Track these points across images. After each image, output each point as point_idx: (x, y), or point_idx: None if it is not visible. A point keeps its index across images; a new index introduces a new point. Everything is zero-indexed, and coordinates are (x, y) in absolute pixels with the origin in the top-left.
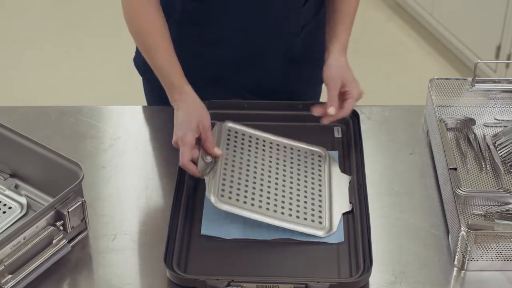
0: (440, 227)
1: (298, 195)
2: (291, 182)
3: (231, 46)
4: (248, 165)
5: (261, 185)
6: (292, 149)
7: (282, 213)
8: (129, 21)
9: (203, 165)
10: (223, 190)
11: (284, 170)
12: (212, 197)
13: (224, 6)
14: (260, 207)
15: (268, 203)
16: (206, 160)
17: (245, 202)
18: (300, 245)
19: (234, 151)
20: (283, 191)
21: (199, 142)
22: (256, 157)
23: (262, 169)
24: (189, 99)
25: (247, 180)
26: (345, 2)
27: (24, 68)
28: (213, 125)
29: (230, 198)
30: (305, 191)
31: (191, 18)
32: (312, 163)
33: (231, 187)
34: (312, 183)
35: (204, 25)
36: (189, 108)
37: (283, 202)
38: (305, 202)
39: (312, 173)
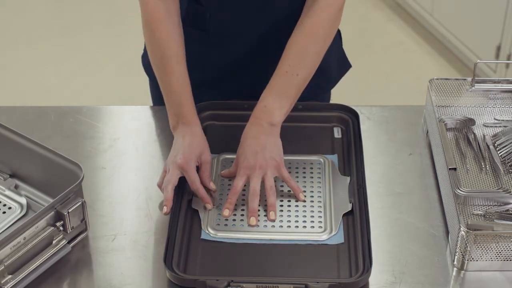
0: (440, 227)
1: (297, 205)
2: (289, 196)
3: (232, 50)
4: (244, 191)
5: (258, 205)
6: (290, 163)
7: (281, 226)
8: (146, 34)
9: (197, 202)
10: (218, 219)
11: (282, 186)
12: (208, 229)
13: (225, 10)
14: (257, 225)
15: (266, 220)
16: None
17: (242, 226)
18: (300, 246)
19: (230, 179)
20: (281, 205)
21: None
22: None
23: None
24: (196, 130)
25: (243, 205)
26: (297, 33)
27: (24, 68)
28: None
29: (226, 225)
30: (304, 200)
31: (194, 20)
32: (311, 173)
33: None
34: (312, 191)
35: (205, 29)
36: (196, 138)
37: (281, 216)
38: (305, 211)
39: (312, 182)
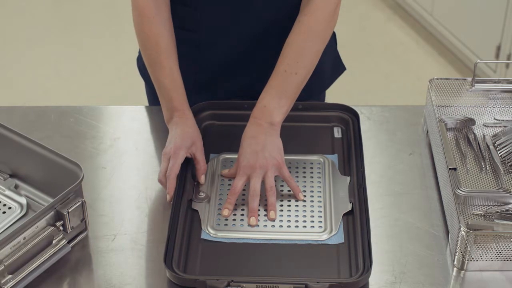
0: (440, 227)
1: (297, 205)
2: (289, 196)
3: (223, 50)
4: (244, 191)
5: (258, 205)
6: (290, 163)
7: (281, 226)
8: (136, 30)
9: (198, 202)
10: (218, 219)
11: (282, 186)
12: (208, 229)
13: (213, 11)
14: (257, 225)
15: (266, 220)
16: (200, 196)
17: (242, 225)
18: (300, 245)
19: (230, 179)
20: (281, 205)
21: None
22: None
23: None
24: (188, 122)
25: (243, 204)
26: (294, 31)
27: (24, 68)
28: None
29: (226, 225)
30: (304, 200)
31: (182, 23)
32: (311, 172)
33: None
34: (312, 191)
35: (195, 30)
36: (187, 129)
37: (281, 216)
38: (305, 211)
39: (312, 181)
